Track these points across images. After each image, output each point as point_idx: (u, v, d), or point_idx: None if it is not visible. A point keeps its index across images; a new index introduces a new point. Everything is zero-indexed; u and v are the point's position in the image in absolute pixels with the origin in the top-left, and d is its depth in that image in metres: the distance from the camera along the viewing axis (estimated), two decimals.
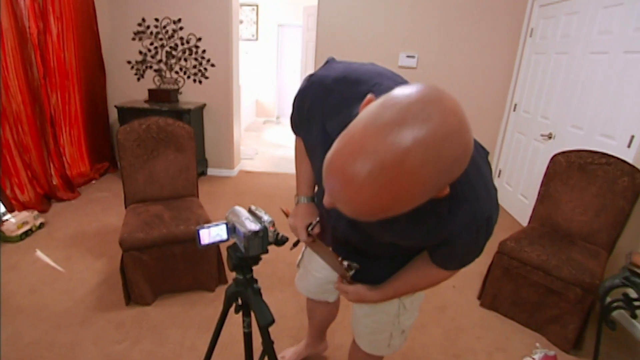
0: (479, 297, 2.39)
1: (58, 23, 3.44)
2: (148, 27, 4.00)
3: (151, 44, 4.06)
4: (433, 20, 3.79)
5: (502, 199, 4.01)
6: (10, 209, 2.97)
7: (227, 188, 4.07)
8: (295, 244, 1.18)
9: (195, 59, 4.07)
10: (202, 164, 4.30)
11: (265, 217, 0.99)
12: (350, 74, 0.83)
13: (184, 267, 2.20)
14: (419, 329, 2.13)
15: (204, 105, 4.19)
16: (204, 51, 4.03)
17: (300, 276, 1.54)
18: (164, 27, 3.99)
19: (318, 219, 1.10)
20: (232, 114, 4.23)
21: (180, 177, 2.48)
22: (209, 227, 0.96)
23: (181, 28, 3.98)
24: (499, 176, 4.09)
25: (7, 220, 2.77)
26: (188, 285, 2.26)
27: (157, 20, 3.96)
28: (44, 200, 3.32)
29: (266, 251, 0.99)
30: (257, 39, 7.25)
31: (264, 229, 0.97)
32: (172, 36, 4.01)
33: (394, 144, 0.50)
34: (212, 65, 4.07)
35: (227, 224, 1.00)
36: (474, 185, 0.74)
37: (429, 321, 2.20)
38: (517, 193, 3.69)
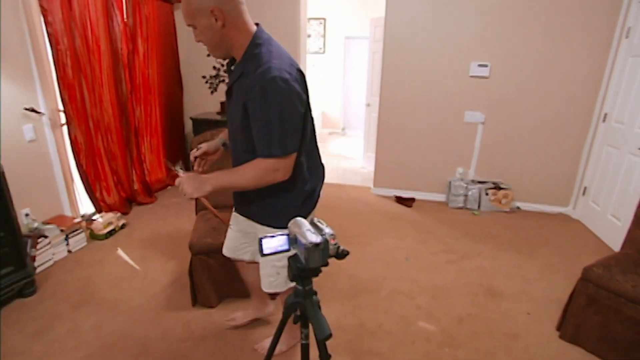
0: (558, 328, 2.16)
1: (144, 44, 3.83)
2: None
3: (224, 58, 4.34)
4: (507, 25, 3.59)
5: (587, 219, 3.63)
6: (98, 210, 3.33)
7: None
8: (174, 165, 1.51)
9: None
10: None
11: (327, 230, 1.00)
12: None
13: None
14: (487, 356, 1.99)
15: None
16: None
17: (226, 240, 1.80)
18: None
19: (203, 146, 1.55)
20: None
21: None
22: (271, 237, 0.99)
23: None
24: (583, 194, 3.72)
25: (95, 220, 3.11)
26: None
27: None
28: (126, 204, 3.68)
29: (326, 264, 0.99)
30: (324, 51, 7.43)
31: (325, 242, 0.97)
32: None
33: None
34: None
35: (288, 235, 1.02)
36: (274, 56, 1.22)
37: (498, 348, 2.04)
38: (607, 213, 3.31)
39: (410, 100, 4.01)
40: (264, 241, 0.97)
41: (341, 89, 7.68)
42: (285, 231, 1.02)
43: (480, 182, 4.02)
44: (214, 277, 2.26)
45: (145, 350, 1.97)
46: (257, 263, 1.79)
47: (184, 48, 4.40)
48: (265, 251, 0.98)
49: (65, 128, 3.02)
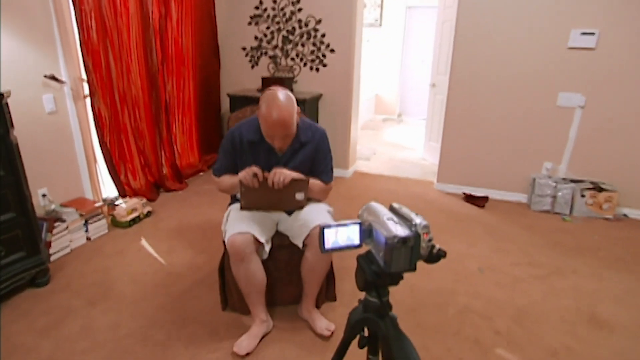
0: None
1: (178, 8, 3.77)
2: (265, 9, 4.16)
3: (267, 28, 4.21)
4: None
5: None
6: (122, 194, 3.31)
7: (340, 190, 3.99)
8: (255, 175, 1.81)
9: (314, 44, 4.09)
10: None
11: (417, 220, 0.79)
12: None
13: (288, 278, 2.11)
14: None
15: (320, 95, 4.19)
16: (323, 35, 4.03)
17: (243, 238, 1.83)
18: (282, 9, 4.10)
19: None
20: (350, 107, 4.16)
21: None
22: (336, 226, 0.79)
23: (300, 10, 4.04)
24: None
25: (119, 205, 3.08)
26: (290, 298, 2.18)
27: (274, 2, 4.10)
28: (153, 189, 3.65)
29: (413, 268, 0.77)
30: (380, 24, 7.14)
31: (416, 236, 0.77)
32: (290, 19, 4.10)
33: (281, 97, 1.82)
34: (332, 51, 4.04)
35: (360, 225, 0.82)
36: (315, 127, 2.03)
37: None
38: None
39: (487, 79, 3.67)
40: (326, 232, 0.76)
41: (399, 69, 7.36)
42: (356, 219, 0.81)
43: (573, 181, 3.61)
44: None
45: (164, 359, 1.86)
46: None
47: (222, 15, 4.31)
48: (327, 245, 0.77)
49: (88, 100, 3.00)
